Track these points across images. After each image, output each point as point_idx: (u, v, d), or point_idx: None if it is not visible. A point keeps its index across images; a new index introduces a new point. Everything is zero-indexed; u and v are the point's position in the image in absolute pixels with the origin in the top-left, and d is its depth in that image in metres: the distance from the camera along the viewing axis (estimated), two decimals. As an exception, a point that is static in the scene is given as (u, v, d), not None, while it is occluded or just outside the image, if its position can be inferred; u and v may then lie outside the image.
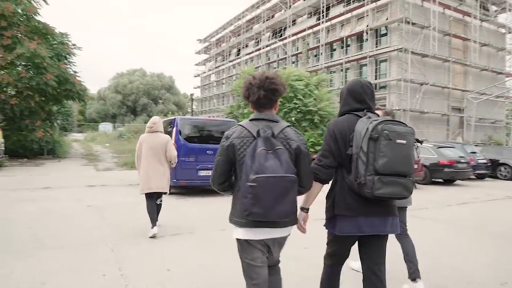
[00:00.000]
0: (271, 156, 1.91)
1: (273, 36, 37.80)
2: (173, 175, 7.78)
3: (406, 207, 3.36)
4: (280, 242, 2.16)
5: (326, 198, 2.29)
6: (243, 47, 41.79)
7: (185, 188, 8.68)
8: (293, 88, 14.73)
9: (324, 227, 2.34)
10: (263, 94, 2.04)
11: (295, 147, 2.04)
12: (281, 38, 34.90)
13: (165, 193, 5.09)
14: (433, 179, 12.09)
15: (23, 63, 15.93)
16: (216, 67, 48.92)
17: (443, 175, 11.94)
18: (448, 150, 12.63)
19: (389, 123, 2.06)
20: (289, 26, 33.55)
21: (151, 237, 4.67)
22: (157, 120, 5.07)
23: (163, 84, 66.82)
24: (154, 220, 4.83)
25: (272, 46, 36.09)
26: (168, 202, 7.24)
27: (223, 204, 6.94)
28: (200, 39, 53.06)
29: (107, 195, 8.04)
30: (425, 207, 7.75)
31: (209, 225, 5.55)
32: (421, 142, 2.32)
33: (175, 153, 5.06)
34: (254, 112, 2.13)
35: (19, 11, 16.24)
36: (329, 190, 2.29)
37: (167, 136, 5.10)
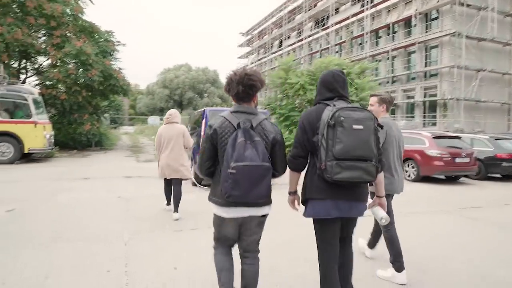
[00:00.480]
0: (249, 146, 2.14)
1: (315, 26, 36.73)
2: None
3: (391, 194, 3.23)
4: (259, 220, 2.36)
5: (303, 184, 2.41)
6: (285, 39, 41.13)
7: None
8: (333, 77, 14.04)
9: (303, 215, 2.39)
10: (242, 89, 2.26)
11: (272, 138, 2.28)
12: (323, 27, 33.81)
13: (185, 180, 5.46)
14: (489, 174, 10.94)
15: (72, 61, 16.73)
16: (258, 60, 48.72)
17: (501, 170, 10.75)
18: (508, 142, 11.35)
19: (347, 110, 2.14)
20: (332, 15, 32.37)
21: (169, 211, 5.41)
22: (172, 112, 5.45)
23: (207, 78, 67.95)
24: (169, 199, 5.65)
25: (315, 36, 35.10)
26: (196, 195, 7.12)
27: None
28: (243, 32, 53.10)
29: (140, 186, 8.10)
30: (478, 206, 6.93)
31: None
32: (381, 127, 2.31)
33: (192, 141, 5.47)
34: (235, 104, 2.34)
35: (68, 11, 16.99)
36: (304, 176, 2.40)
37: (183, 126, 5.39)
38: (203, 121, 7.87)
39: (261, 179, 2.14)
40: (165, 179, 5.45)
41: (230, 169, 2.09)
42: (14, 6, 16.27)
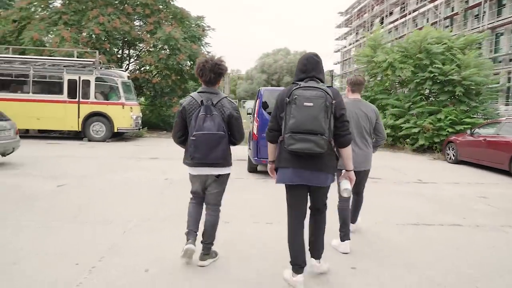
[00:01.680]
0: (208, 119, 2.72)
1: (422, -3, 32.46)
2: (254, 152, 7.13)
3: (365, 170, 3.58)
4: (218, 179, 2.92)
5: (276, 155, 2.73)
6: (386, 16, 37.51)
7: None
8: (430, 53, 11.95)
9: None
10: (213, 76, 2.81)
11: (228, 113, 2.82)
12: (432, -2, 29.65)
13: None
14: None
15: (163, 46, 17.66)
16: (357, 40, 45.61)
17: None
18: None
19: (301, 89, 2.46)
20: (444, -17, 28.10)
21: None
22: None
23: (305, 62, 66.66)
24: None
25: (421, 10, 31.09)
26: (242, 183, 6.60)
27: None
28: (341, 12, 50.29)
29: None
30: None
31: (255, 215, 4.64)
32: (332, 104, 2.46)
33: None
34: (203, 86, 2.89)
35: (162, -1, 17.77)
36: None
37: None
38: (258, 101, 7.26)
39: (216, 145, 2.72)
40: None
41: (192, 137, 2.73)
42: (114, -3, 17.79)
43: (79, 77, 13.06)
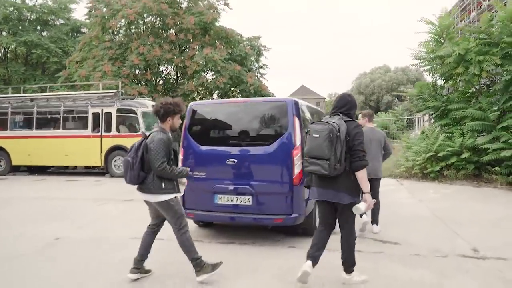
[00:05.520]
0: (137, 149, 3.37)
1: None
2: (182, 200, 4.72)
3: (375, 178, 4.68)
4: (160, 206, 3.38)
5: None
6: (497, 11, 30.65)
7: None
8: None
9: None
10: (162, 112, 3.46)
11: (146, 143, 3.39)
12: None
13: None
14: None
15: (204, 69, 16.53)
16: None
17: None
18: None
19: (314, 124, 3.20)
20: None
21: None
22: None
23: (408, 78, 60.17)
24: None
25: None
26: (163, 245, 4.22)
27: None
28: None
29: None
30: None
31: None
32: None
33: None
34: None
35: (200, 22, 16.71)
36: None
37: None
38: (185, 121, 4.85)
39: (130, 169, 3.30)
40: None
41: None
42: (158, 26, 17.46)
43: (102, 110, 12.38)
